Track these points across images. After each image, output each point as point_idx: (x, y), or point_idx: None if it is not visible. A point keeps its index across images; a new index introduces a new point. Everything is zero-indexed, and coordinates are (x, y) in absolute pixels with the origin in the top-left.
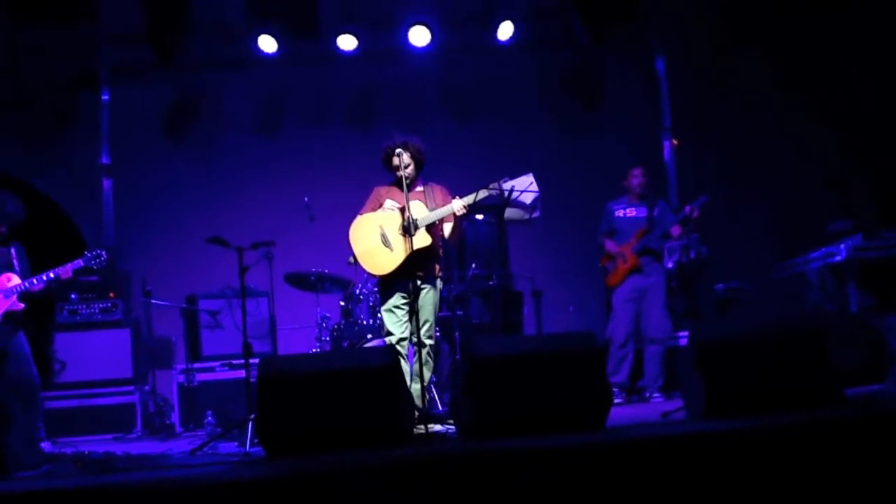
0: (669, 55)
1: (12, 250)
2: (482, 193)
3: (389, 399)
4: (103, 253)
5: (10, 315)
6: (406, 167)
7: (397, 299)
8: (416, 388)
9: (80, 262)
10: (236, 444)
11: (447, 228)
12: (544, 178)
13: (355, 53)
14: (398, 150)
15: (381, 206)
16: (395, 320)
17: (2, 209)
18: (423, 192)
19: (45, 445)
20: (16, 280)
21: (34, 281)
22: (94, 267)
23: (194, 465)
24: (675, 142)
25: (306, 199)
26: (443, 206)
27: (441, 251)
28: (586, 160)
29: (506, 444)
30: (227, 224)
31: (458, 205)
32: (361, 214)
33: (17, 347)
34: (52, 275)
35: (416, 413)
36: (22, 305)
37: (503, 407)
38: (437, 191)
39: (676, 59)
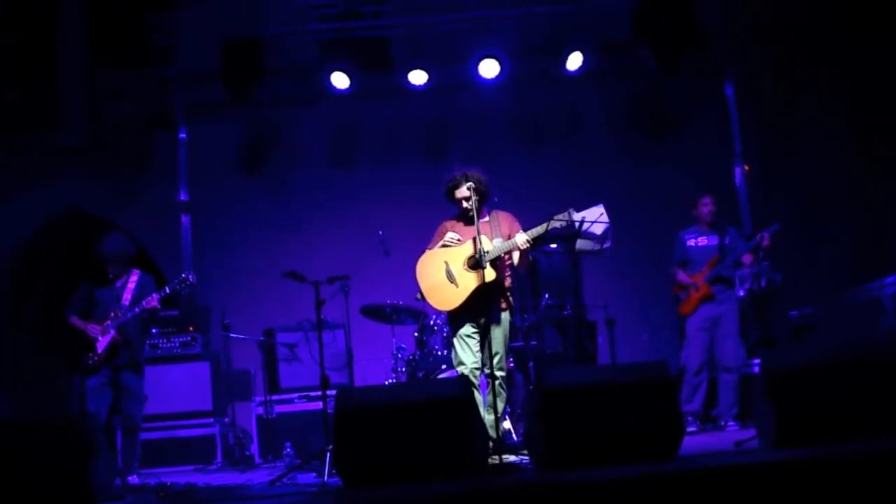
0: (738, 80)
1: (130, 283)
2: (546, 227)
3: (463, 430)
4: (191, 276)
5: (114, 349)
6: (468, 199)
7: (468, 329)
8: (489, 419)
9: (166, 290)
10: (314, 474)
11: (515, 257)
12: (615, 206)
13: (426, 87)
14: (462, 183)
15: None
16: (466, 350)
17: (102, 250)
18: (489, 221)
19: (132, 478)
20: (116, 315)
21: (128, 314)
22: (183, 292)
23: (274, 496)
24: (746, 167)
25: (380, 233)
26: (508, 233)
27: (509, 281)
28: (656, 188)
29: (579, 474)
30: (302, 258)
31: (521, 239)
32: (430, 250)
33: (135, 385)
34: (137, 310)
35: (491, 444)
36: (122, 338)
37: (577, 437)
38: (503, 218)
39: (745, 85)
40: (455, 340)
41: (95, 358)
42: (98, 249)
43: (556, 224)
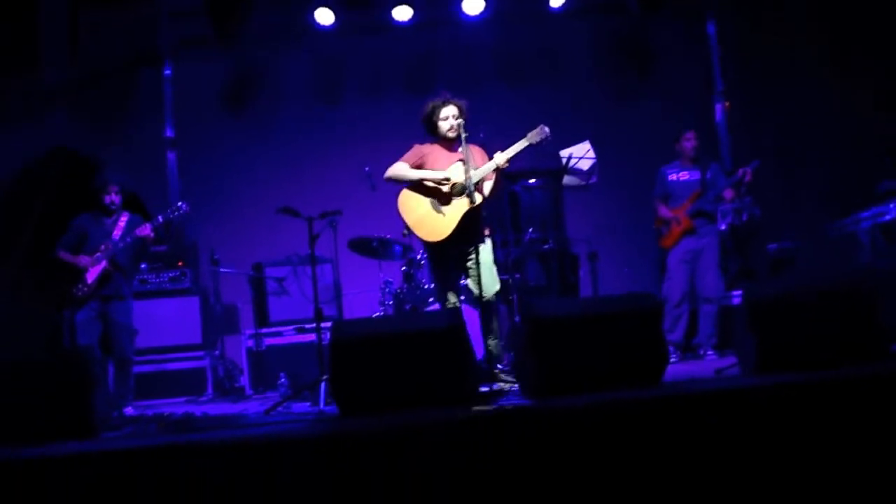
0: (721, 18)
1: (120, 222)
2: (522, 143)
3: (455, 359)
4: (184, 204)
5: (104, 279)
6: (455, 117)
7: (450, 264)
8: (492, 343)
9: (159, 218)
10: (308, 403)
11: (487, 187)
12: (598, 142)
13: (411, 23)
14: (448, 104)
15: (419, 164)
16: (450, 285)
17: (103, 177)
18: (463, 152)
19: (128, 410)
20: (107, 246)
21: (119, 244)
22: (175, 220)
23: (272, 423)
24: (726, 104)
25: (367, 168)
26: (481, 164)
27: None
28: (640, 124)
29: (568, 400)
30: (289, 193)
31: (501, 158)
32: (401, 161)
33: (124, 317)
34: (128, 239)
35: (499, 367)
36: (112, 269)
37: (565, 365)
38: (475, 150)
39: (726, 23)
40: (437, 278)
41: (85, 289)
42: (100, 180)
43: (529, 142)
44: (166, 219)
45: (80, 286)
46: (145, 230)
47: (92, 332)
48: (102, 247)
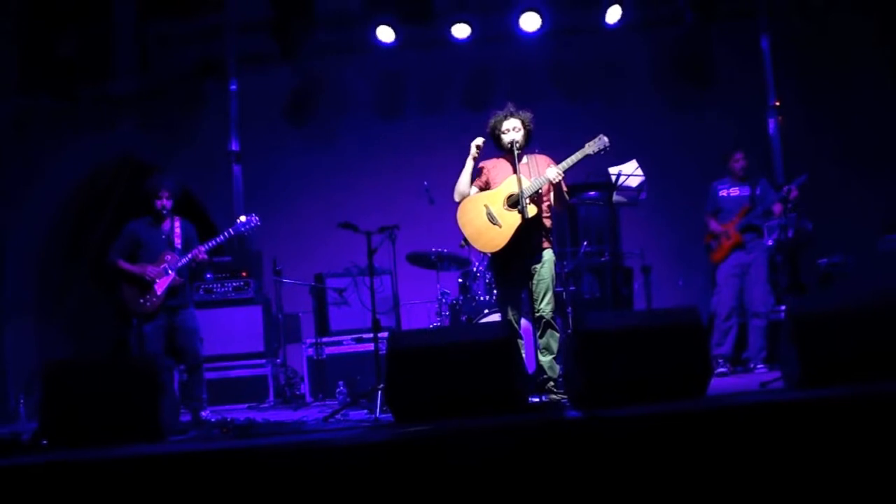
0: (775, 32)
1: (176, 227)
2: (579, 155)
3: (506, 370)
4: (254, 217)
5: (172, 290)
6: (517, 130)
7: (512, 278)
8: (545, 360)
9: (230, 231)
10: (366, 411)
11: (552, 198)
12: (654, 156)
13: (469, 40)
14: (510, 117)
15: (485, 181)
16: (510, 299)
17: (158, 183)
18: (527, 164)
19: (205, 413)
20: (173, 257)
21: (182, 260)
22: (246, 233)
23: (330, 430)
24: (779, 118)
25: (426, 183)
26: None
27: (549, 222)
28: (695, 138)
29: (612, 412)
30: (350, 207)
31: (552, 172)
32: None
33: (192, 323)
34: (190, 255)
35: (552, 383)
36: (181, 280)
37: (612, 377)
38: (541, 160)
39: (781, 37)
40: (498, 289)
41: (154, 300)
42: (152, 184)
43: (590, 151)
44: (238, 231)
45: (149, 297)
46: (201, 255)
47: (159, 340)
48: (168, 257)
